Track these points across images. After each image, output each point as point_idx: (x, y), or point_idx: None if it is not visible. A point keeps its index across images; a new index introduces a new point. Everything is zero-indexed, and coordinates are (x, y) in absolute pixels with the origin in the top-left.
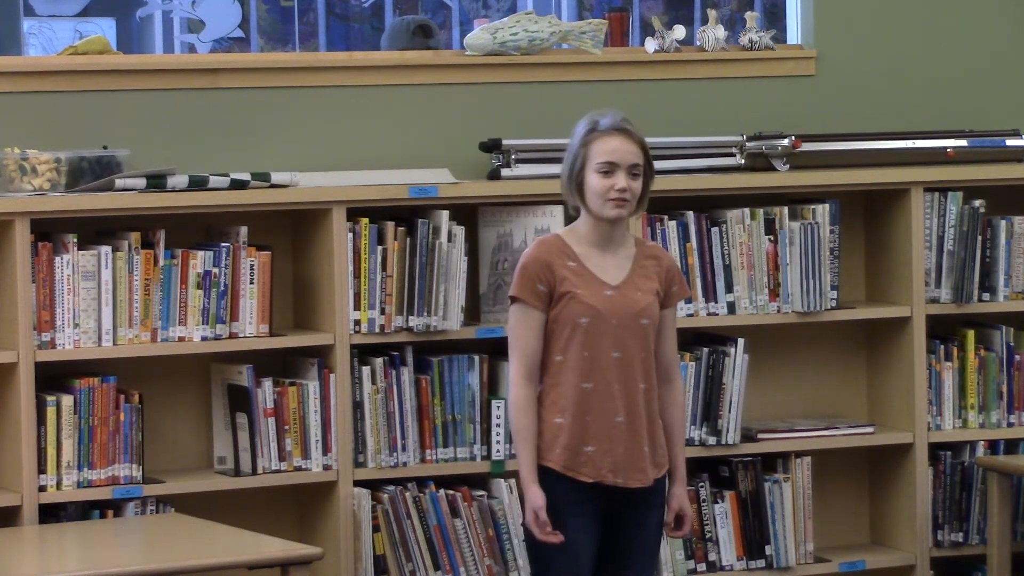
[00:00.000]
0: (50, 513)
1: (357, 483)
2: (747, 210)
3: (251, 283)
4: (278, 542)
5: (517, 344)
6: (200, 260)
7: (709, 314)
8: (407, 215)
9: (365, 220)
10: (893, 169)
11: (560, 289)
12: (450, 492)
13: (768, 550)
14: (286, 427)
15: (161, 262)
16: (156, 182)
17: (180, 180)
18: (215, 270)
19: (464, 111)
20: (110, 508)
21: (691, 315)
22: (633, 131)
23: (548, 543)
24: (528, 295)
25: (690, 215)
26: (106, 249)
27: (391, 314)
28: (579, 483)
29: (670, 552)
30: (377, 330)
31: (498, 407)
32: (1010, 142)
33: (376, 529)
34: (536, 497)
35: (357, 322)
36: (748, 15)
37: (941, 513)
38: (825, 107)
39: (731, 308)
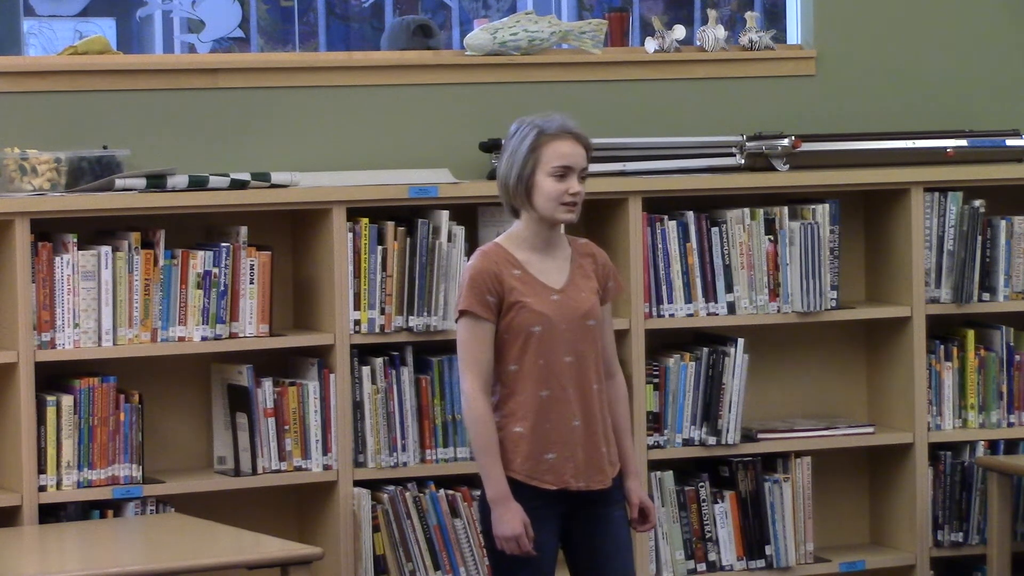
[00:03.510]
0: (50, 513)
1: (357, 483)
2: (747, 210)
3: (251, 283)
4: (278, 542)
5: (471, 358)
6: (200, 260)
7: (709, 314)
8: (407, 215)
9: (365, 220)
10: (893, 169)
11: (509, 299)
12: (450, 492)
13: (768, 550)
14: (286, 427)
15: (161, 262)
16: (156, 182)
17: (180, 180)
18: (215, 270)
19: (464, 111)
20: (110, 508)
21: (691, 315)
22: (583, 135)
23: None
24: (478, 307)
25: (690, 215)
26: (106, 249)
27: (391, 314)
28: (542, 491)
29: (670, 552)
30: (377, 330)
31: None
32: (1010, 142)
33: (376, 529)
34: (519, 512)
35: (357, 322)
36: (748, 15)
37: (941, 513)
38: (825, 107)
39: (731, 308)
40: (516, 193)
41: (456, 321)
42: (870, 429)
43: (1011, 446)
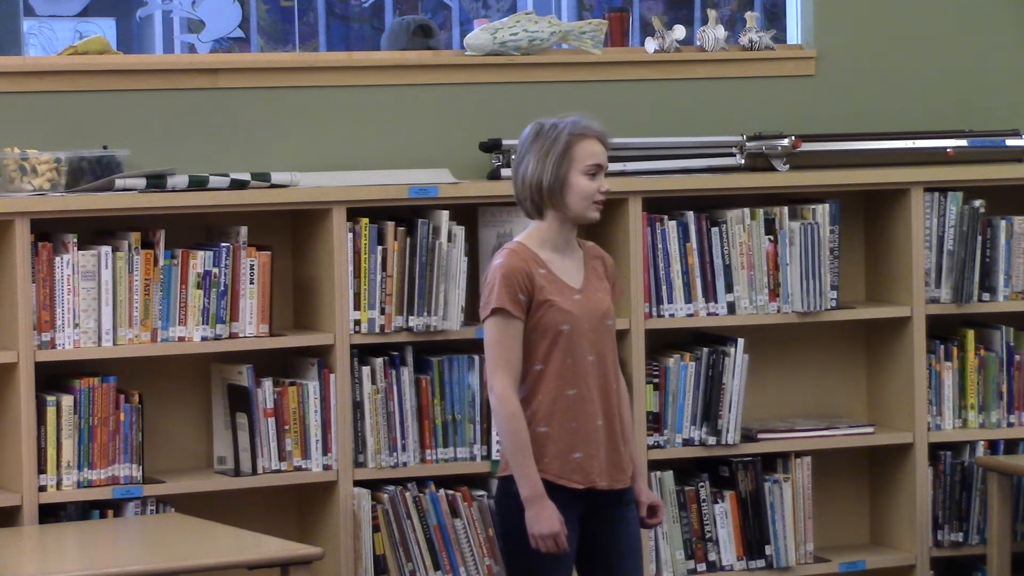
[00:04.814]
0: (50, 513)
1: (357, 483)
2: (747, 210)
3: (251, 283)
4: (278, 542)
5: (503, 356)
6: (200, 260)
7: (709, 314)
8: (407, 215)
9: (365, 220)
10: (893, 169)
11: (539, 297)
12: (450, 492)
13: (768, 550)
14: (286, 427)
15: (161, 262)
16: (156, 182)
17: (180, 180)
18: (215, 270)
19: (464, 111)
20: (110, 508)
21: (691, 315)
22: (606, 134)
23: (538, 551)
24: (511, 305)
25: (690, 215)
26: (106, 249)
27: (391, 314)
28: (570, 490)
29: (670, 552)
30: (377, 330)
31: None
32: (1010, 142)
33: (376, 529)
34: (555, 510)
35: (357, 322)
36: (748, 15)
37: (941, 513)
38: (825, 107)
39: (731, 308)
40: (551, 193)
41: (484, 320)
42: (870, 429)
43: (1011, 446)
